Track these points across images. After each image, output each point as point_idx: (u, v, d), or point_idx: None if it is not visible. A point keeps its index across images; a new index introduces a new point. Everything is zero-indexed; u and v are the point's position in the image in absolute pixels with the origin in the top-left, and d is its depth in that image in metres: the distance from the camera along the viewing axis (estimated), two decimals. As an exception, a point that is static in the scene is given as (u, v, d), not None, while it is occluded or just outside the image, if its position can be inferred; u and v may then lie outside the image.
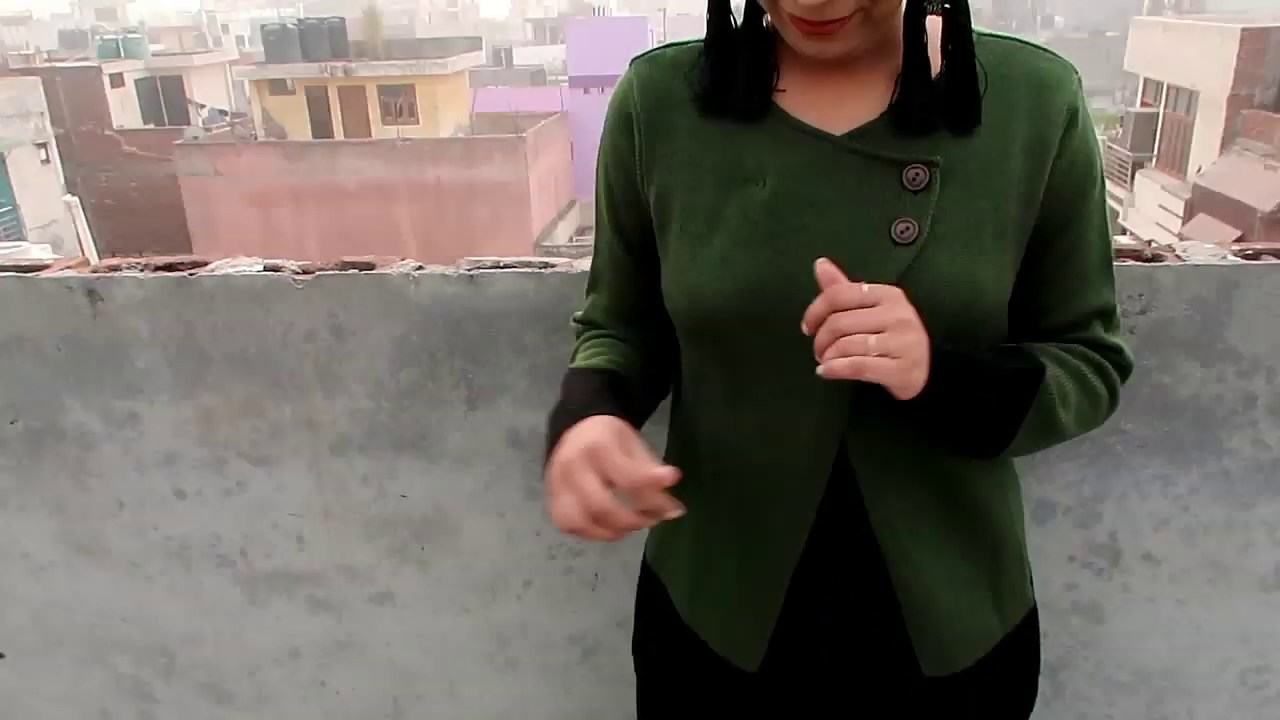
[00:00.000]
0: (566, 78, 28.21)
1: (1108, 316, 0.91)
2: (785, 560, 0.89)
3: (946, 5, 0.79)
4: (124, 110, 23.34)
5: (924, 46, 0.80)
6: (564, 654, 1.40)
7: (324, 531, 1.37)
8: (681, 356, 0.95)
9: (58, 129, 20.31)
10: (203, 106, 23.76)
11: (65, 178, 20.18)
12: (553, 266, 1.23)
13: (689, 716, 1.01)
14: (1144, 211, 17.76)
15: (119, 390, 1.32)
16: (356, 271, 1.24)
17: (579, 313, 1.03)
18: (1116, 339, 0.91)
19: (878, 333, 0.74)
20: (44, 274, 1.29)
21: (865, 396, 0.82)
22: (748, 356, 0.85)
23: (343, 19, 25.30)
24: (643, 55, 0.91)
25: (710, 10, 0.84)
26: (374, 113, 23.03)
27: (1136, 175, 18.39)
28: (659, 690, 1.05)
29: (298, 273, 1.25)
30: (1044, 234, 0.86)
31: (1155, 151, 18.85)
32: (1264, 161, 15.22)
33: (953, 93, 0.79)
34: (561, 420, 0.84)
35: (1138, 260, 1.15)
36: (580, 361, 0.94)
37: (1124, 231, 17.46)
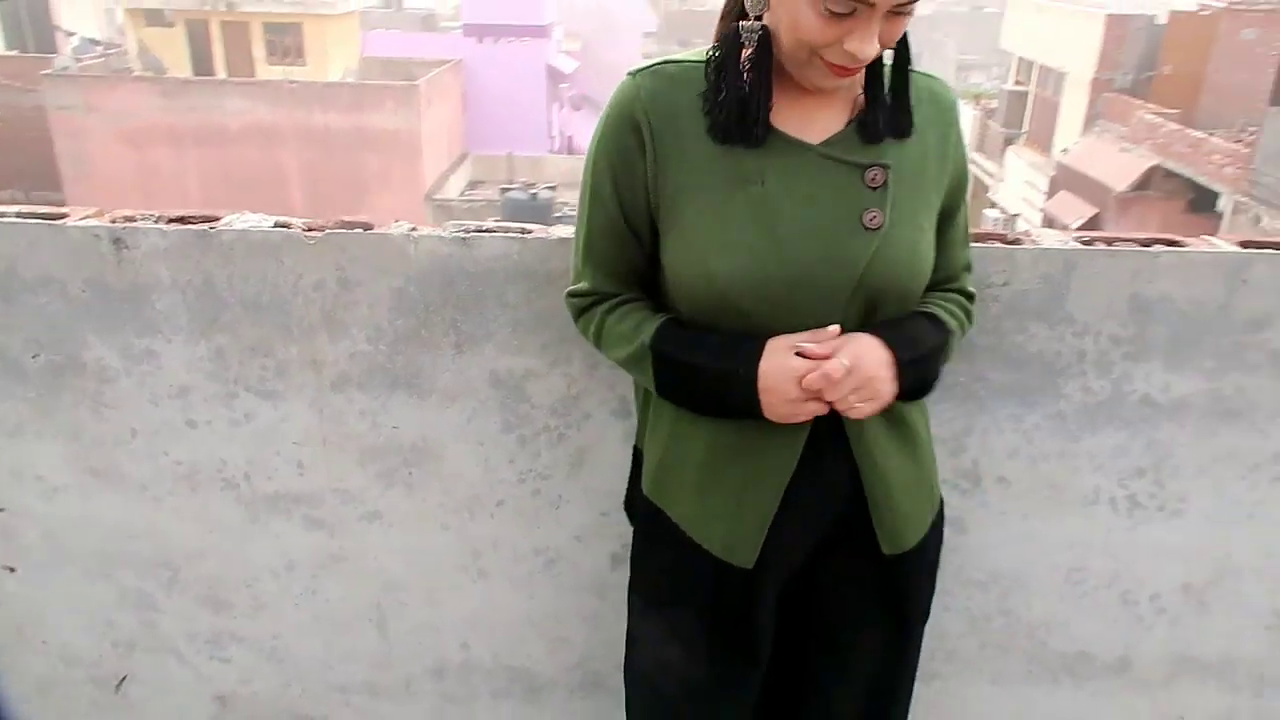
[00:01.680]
0: (460, 25, 27.62)
1: (969, 268, 1.27)
2: (781, 474, 1.15)
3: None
4: (-19, 34, 21.67)
5: (881, 75, 1.08)
6: (529, 565, 1.65)
7: (322, 458, 1.57)
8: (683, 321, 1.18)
9: (-94, 51, 18.77)
10: (72, 34, 22.27)
11: (-85, 105, 18.69)
12: (530, 233, 1.46)
13: (690, 609, 1.23)
14: (1012, 187, 18.79)
15: (139, 329, 1.48)
16: (362, 230, 1.44)
17: (581, 284, 1.20)
18: (971, 287, 1.26)
19: (858, 388, 1.08)
20: (71, 222, 1.44)
21: None
22: (749, 319, 1.10)
23: (224, -51, 24.01)
24: (645, 68, 1.13)
25: (721, 66, 1.06)
26: (259, 51, 22.10)
27: (1007, 151, 19.39)
28: (663, 598, 1.27)
29: (308, 229, 1.44)
30: (943, 213, 1.18)
31: (1025, 129, 19.90)
32: (1120, 144, 16.37)
33: (895, 109, 1.08)
34: (738, 361, 1.09)
35: (1003, 242, 1.46)
36: (651, 324, 1.15)
37: (993, 205, 18.47)
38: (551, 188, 19.22)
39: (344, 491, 1.59)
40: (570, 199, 19.63)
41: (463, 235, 1.43)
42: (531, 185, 19.41)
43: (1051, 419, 1.52)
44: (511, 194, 18.39)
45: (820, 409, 1.11)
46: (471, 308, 1.46)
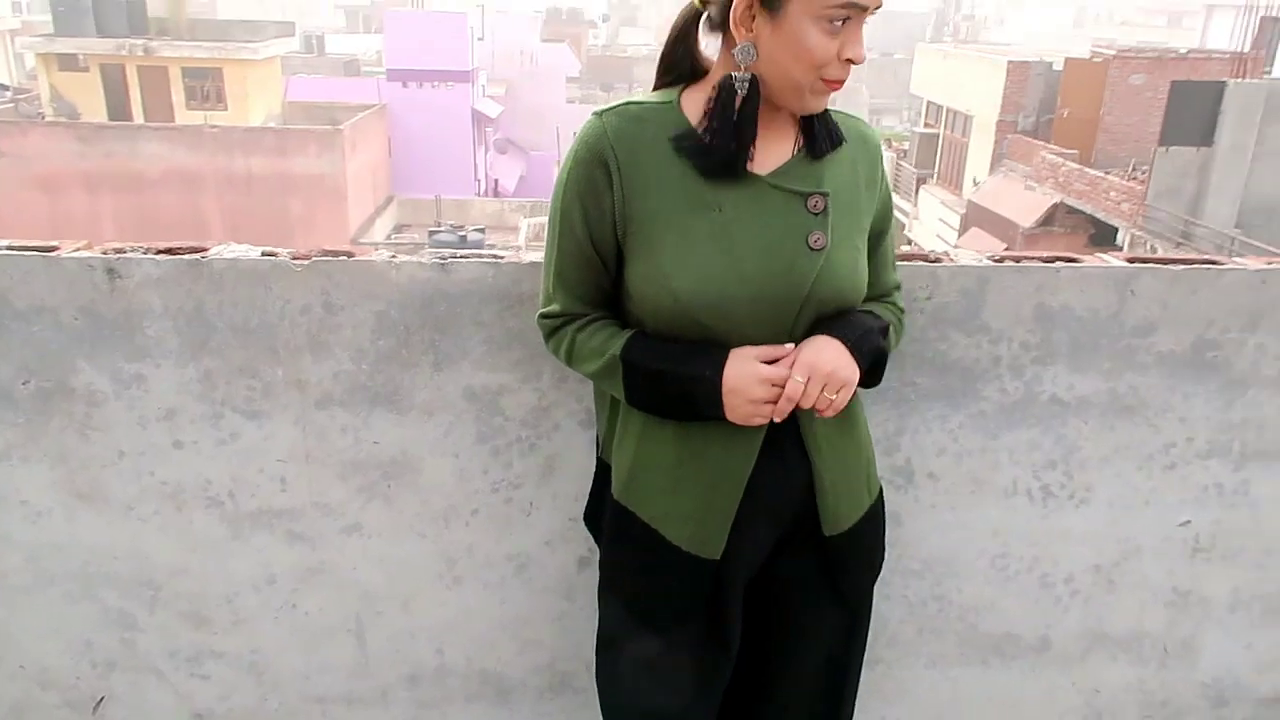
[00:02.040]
0: (383, 69, 27.67)
1: (899, 287, 1.45)
2: (743, 470, 1.29)
3: None
4: (-122, 78, 20.96)
5: None
6: (501, 570, 1.75)
7: (305, 474, 1.66)
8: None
9: None
10: (-21, 79, 21.70)
11: None
12: (503, 258, 1.59)
13: (664, 604, 1.35)
14: (926, 224, 19.52)
15: (129, 354, 1.56)
16: (346, 258, 1.55)
17: (552, 307, 1.31)
18: (901, 302, 1.45)
19: (826, 385, 1.22)
20: (64, 253, 1.52)
21: None
22: (709, 331, 1.23)
23: (142, -8, 23.80)
24: (610, 109, 1.26)
25: (717, 114, 1.20)
26: (178, 96, 21.84)
27: (920, 190, 20.15)
28: (638, 596, 1.38)
29: (295, 258, 1.55)
30: (872, 237, 1.35)
31: (936, 169, 20.74)
32: (1025, 182, 17.21)
33: (829, 123, 1.26)
34: (704, 365, 1.22)
35: (926, 261, 1.64)
36: (620, 338, 1.27)
37: (909, 243, 19.20)
38: (480, 230, 19.29)
39: (325, 505, 1.68)
40: (498, 241, 19.72)
41: (441, 261, 1.55)
42: (460, 227, 19.46)
43: (973, 418, 1.70)
44: (439, 236, 18.41)
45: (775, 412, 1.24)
46: (449, 328, 1.58)
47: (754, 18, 1.16)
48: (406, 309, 1.57)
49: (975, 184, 18.41)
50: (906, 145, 23.05)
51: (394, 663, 1.80)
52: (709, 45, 1.27)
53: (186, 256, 1.53)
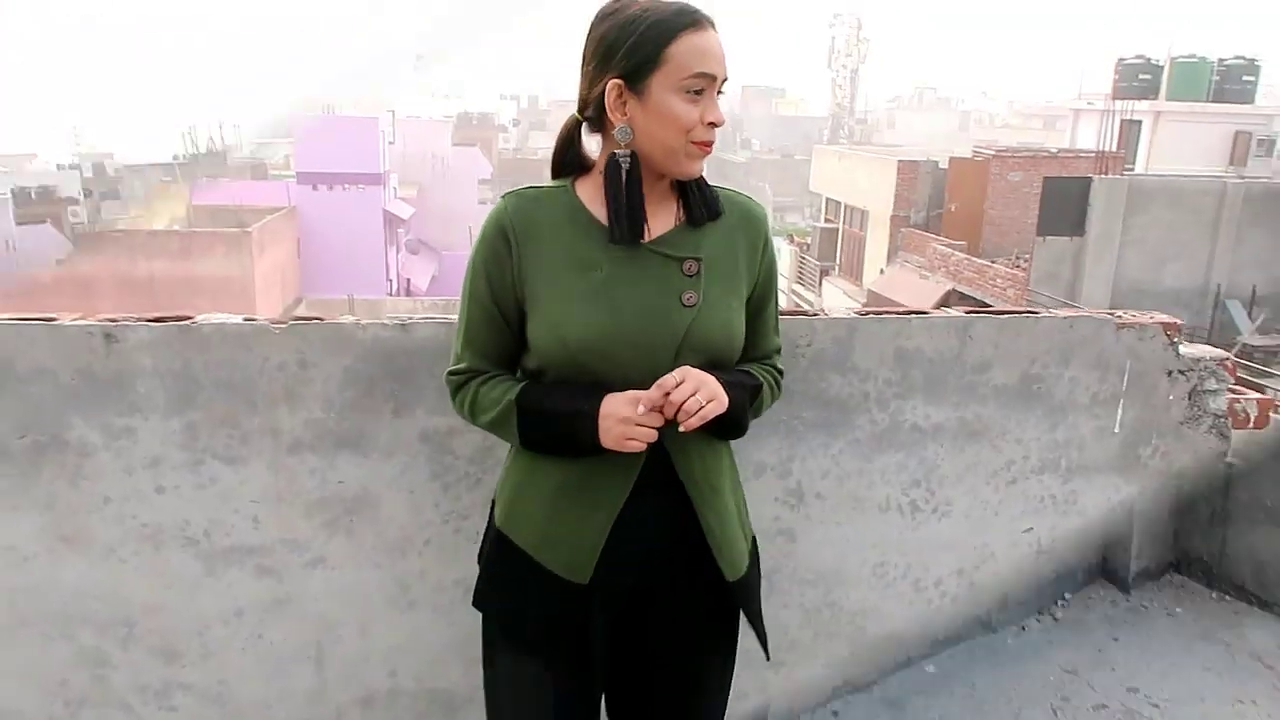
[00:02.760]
0: (291, 173, 27.89)
1: (779, 351, 1.65)
2: (615, 503, 1.47)
3: None
4: None
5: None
6: (450, 594, 1.98)
7: (275, 513, 1.87)
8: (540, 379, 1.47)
9: None
10: None
11: None
12: (454, 320, 1.87)
13: (535, 631, 1.46)
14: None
15: (121, 410, 1.78)
16: (319, 321, 1.81)
17: (460, 365, 1.48)
18: (781, 364, 1.64)
19: (696, 393, 1.34)
20: (65, 322, 1.74)
21: None
22: (595, 375, 1.44)
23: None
24: (512, 191, 1.50)
25: (616, 180, 1.42)
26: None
27: (823, 281, 21.13)
28: (509, 620, 1.49)
29: (274, 322, 1.80)
30: (753, 303, 1.58)
31: (837, 261, 21.83)
32: (919, 272, 18.29)
33: (705, 196, 1.49)
34: (584, 402, 1.38)
35: (805, 315, 1.98)
36: (516, 387, 1.45)
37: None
38: (395, 327, 19.35)
39: (292, 541, 1.89)
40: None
41: (401, 322, 1.83)
42: (374, 325, 19.50)
43: (851, 445, 2.03)
44: (354, 334, 18.41)
45: (650, 435, 1.37)
46: (407, 379, 1.85)
47: (625, 103, 1.41)
48: (371, 363, 1.83)
49: (881, 273, 19.48)
50: (809, 239, 24.23)
51: (349, 687, 1.99)
52: (591, 143, 1.53)
53: (176, 324, 1.77)
